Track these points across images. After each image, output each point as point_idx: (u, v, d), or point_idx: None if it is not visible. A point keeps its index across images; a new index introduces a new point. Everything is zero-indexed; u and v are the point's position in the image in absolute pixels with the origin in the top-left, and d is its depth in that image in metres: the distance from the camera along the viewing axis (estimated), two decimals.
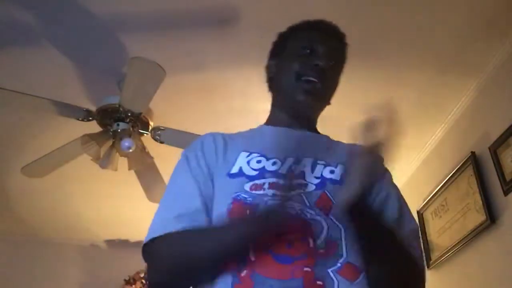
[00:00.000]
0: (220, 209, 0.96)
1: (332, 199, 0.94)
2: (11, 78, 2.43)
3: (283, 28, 1.22)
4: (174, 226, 0.93)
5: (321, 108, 1.14)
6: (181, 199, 0.99)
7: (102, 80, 2.55)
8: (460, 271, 2.56)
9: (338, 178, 0.97)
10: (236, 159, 1.02)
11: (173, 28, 2.23)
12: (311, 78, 1.07)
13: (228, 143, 1.08)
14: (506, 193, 2.21)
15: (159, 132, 2.62)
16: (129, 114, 2.47)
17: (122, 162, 2.64)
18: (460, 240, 2.50)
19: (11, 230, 4.14)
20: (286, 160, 1.00)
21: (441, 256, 2.67)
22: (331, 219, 0.91)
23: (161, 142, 2.66)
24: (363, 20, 2.19)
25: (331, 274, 0.86)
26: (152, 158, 2.69)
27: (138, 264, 4.35)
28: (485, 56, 2.35)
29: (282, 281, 0.85)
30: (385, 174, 1.08)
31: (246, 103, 2.73)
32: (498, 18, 2.14)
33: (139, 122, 2.56)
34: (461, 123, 2.70)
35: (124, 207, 3.81)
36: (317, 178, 0.96)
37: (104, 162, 2.55)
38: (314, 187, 0.95)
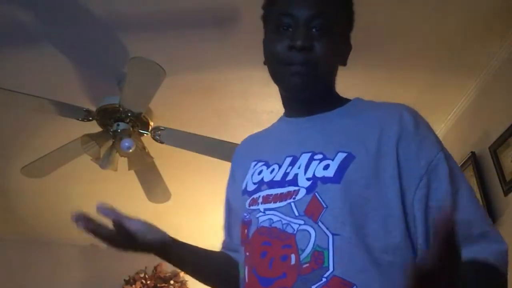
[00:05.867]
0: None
1: (322, 202, 0.82)
2: (11, 78, 2.43)
3: None
4: None
5: (325, 79, 0.96)
6: None
7: (102, 80, 2.55)
8: None
9: (331, 175, 0.84)
10: (246, 173, 0.98)
11: (173, 28, 2.23)
12: (295, 64, 0.90)
13: (243, 155, 1.06)
14: (506, 193, 2.21)
15: (159, 132, 2.62)
16: (129, 114, 2.47)
17: (122, 162, 2.64)
18: None
19: (11, 230, 4.14)
20: (284, 161, 0.91)
21: None
22: (319, 226, 0.81)
23: (161, 142, 2.66)
24: (363, 20, 2.18)
25: None
26: (152, 158, 2.69)
27: (138, 264, 4.35)
28: (485, 56, 2.35)
29: None
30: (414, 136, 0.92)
31: (246, 103, 2.73)
32: (497, 18, 2.14)
33: (139, 122, 2.56)
34: (461, 123, 2.70)
35: (124, 207, 3.79)
36: (308, 180, 0.85)
37: (104, 162, 2.55)
38: (304, 191, 0.84)
